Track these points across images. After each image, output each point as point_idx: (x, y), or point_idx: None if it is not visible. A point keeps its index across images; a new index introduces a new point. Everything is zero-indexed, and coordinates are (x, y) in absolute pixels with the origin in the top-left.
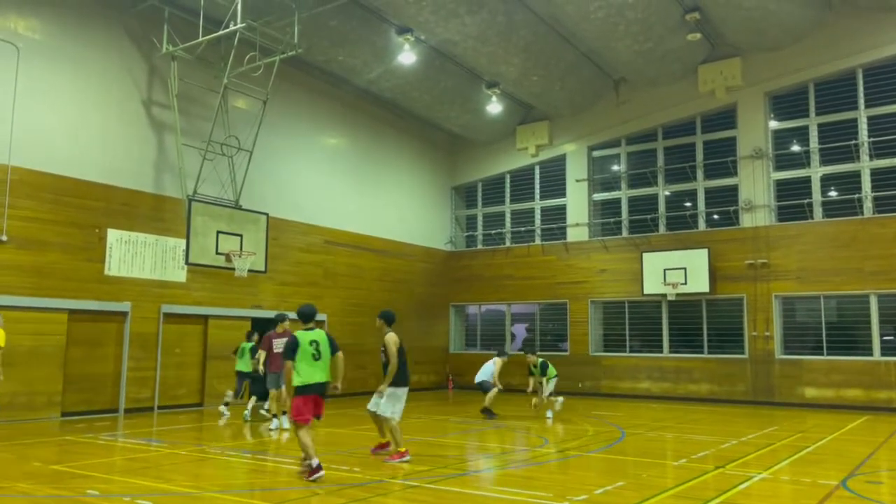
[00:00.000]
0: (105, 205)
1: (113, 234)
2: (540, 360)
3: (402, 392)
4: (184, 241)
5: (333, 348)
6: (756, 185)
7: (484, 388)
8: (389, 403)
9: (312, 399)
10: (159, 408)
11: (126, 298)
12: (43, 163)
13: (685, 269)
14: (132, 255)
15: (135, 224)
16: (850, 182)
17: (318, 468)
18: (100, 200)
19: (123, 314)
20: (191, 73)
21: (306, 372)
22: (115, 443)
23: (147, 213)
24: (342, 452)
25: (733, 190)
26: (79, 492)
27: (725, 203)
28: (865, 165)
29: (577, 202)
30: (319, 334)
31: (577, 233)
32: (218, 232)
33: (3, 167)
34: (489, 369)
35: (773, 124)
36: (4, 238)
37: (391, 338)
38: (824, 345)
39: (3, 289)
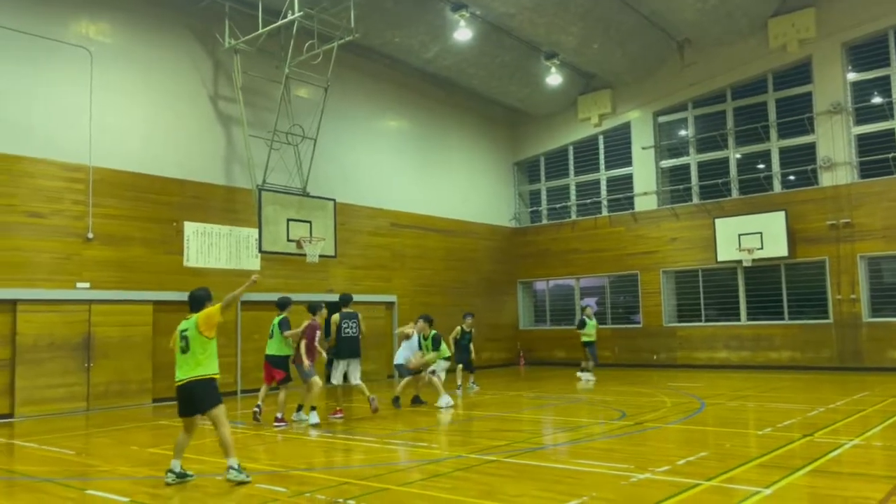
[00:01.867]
0: (180, 199)
1: (189, 227)
2: (433, 332)
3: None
4: (256, 230)
5: (282, 329)
6: (835, 142)
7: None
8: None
9: (266, 366)
10: (242, 391)
11: None
12: (121, 162)
13: (761, 233)
14: (208, 246)
15: (209, 216)
16: None
17: (258, 412)
18: (175, 195)
19: None
20: (253, 66)
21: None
22: (204, 426)
23: (220, 205)
24: (421, 429)
25: (810, 148)
26: None
27: (802, 162)
28: None
29: (643, 170)
30: (276, 320)
31: (645, 202)
32: (288, 220)
33: (84, 168)
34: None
35: (852, 76)
36: (91, 235)
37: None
38: None
39: (94, 283)
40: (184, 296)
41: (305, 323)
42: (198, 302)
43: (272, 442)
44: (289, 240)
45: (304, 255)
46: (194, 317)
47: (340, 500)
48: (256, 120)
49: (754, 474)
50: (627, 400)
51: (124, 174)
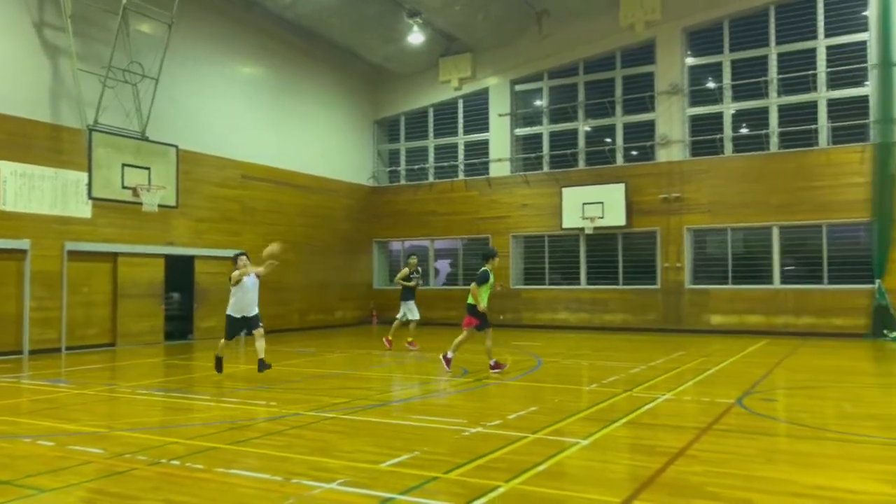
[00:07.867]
0: None
1: (7, 167)
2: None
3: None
4: (86, 175)
5: None
6: (672, 121)
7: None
8: None
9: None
10: (67, 348)
11: (25, 235)
12: None
13: (603, 203)
14: (29, 189)
15: (31, 156)
16: (759, 118)
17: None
18: None
19: (23, 252)
20: None
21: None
22: (20, 384)
23: (44, 145)
24: (259, 387)
25: (650, 125)
26: None
27: (643, 138)
28: (773, 102)
29: (499, 137)
30: None
31: (499, 168)
32: (123, 165)
33: None
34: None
35: (690, 60)
36: None
37: None
38: (730, 275)
39: None
40: (0, 243)
41: None
42: None
43: (96, 402)
44: (124, 187)
45: (141, 203)
46: None
47: (164, 460)
48: (89, 53)
49: (577, 427)
50: (472, 358)
51: None
